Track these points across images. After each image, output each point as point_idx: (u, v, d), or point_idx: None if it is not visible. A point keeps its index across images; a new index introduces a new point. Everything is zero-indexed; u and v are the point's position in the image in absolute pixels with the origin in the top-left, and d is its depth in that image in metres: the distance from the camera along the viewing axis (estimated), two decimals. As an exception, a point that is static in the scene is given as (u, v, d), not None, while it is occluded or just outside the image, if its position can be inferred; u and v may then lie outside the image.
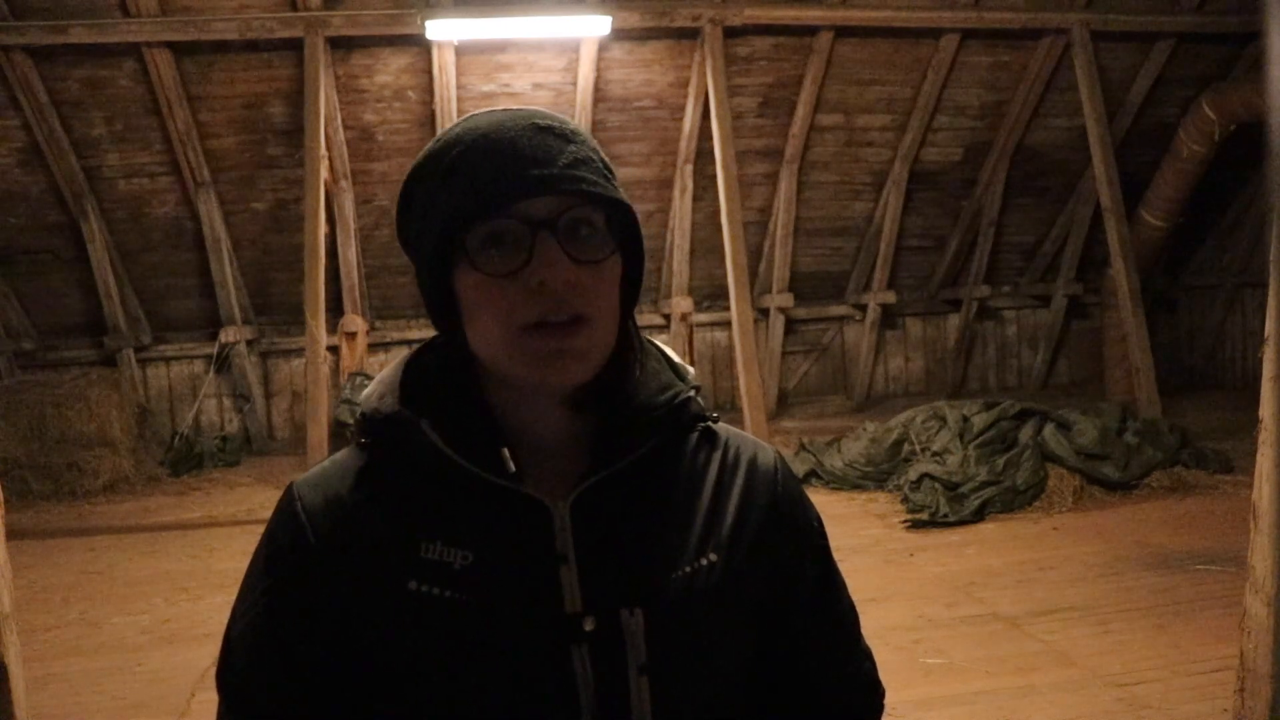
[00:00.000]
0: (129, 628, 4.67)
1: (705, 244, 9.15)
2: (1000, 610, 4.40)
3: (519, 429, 0.94)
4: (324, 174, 7.56)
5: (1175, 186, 8.86)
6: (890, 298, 9.81)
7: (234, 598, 0.98)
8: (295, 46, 7.45)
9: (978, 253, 9.80)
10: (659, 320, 9.73)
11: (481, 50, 7.78)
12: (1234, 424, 7.66)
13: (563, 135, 0.89)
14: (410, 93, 8.03)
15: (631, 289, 0.96)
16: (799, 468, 7.10)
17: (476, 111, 0.93)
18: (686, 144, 8.63)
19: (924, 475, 6.33)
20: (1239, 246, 10.01)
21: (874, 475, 6.85)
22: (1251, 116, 8.08)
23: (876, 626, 4.13)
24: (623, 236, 0.92)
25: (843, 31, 8.14)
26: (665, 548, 0.93)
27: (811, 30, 8.10)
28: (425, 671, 0.89)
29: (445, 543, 0.90)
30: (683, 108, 8.45)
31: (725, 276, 7.80)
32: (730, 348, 9.07)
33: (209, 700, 3.53)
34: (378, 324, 9.20)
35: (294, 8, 7.35)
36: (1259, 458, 2.49)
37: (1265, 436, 2.34)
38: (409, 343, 9.06)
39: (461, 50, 7.74)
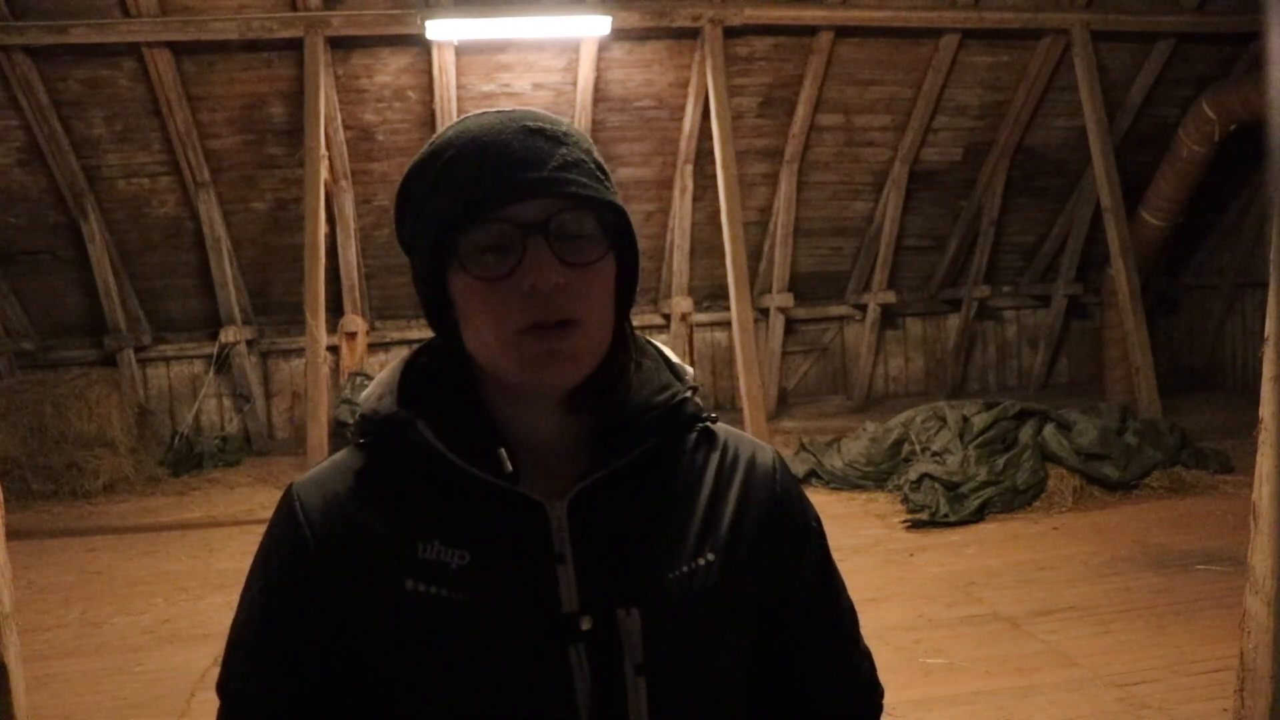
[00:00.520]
0: (129, 628, 4.67)
1: (705, 244, 9.15)
2: (1000, 610, 4.40)
3: (516, 430, 0.94)
4: (324, 174, 7.56)
5: (1175, 186, 8.86)
6: (890, 298, 9.81)
7: (234, 598, 0.98)
8: (295, 46, 7.45)
9: (978, 253, 9.80)
10: (659, 320, 9.73)
11: (481, 50, 7.78)
12: (1234, 424, 7.66)
13: (554, 138, 0.89)
14: (410, 93, 8.03)
15: (627, 290, 0.96)
16: (799, 468, 7.10)
17: (471, 113, 0.94)
18: (686, 144, 8.63)
19: (924, 475, 6.33)
20: (1239, 246, 10.01)
21: (874, 475, 6.85)
22: (1251, 116, 8.07)
23: (876, 626, 4.14)
24: (617, 238, 0.92)
25: (843, 31, 8.14)
26: (662, 547, 0.93)
27: (811, 30, 8.10)
28: (422, 671, 0.89)
29: (443, 542, 0.90)
30: (683, 108, 8.45)
31: (725, 276, 7.80)
32: (730, 348, 9.07)
33: (209, 700, 3.53)
34: (378, 324, 9.20)
35: (294, 8, 7.35)
36: (1259, 458, 2.49)
37: (1265, 436, 2.34)
38: (409, 343, 9.06)
39: (461, 50, 7.74)
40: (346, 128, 8.14)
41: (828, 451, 7.27)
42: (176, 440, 8.68)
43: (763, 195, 9.16)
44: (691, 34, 7.92)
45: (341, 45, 7.63)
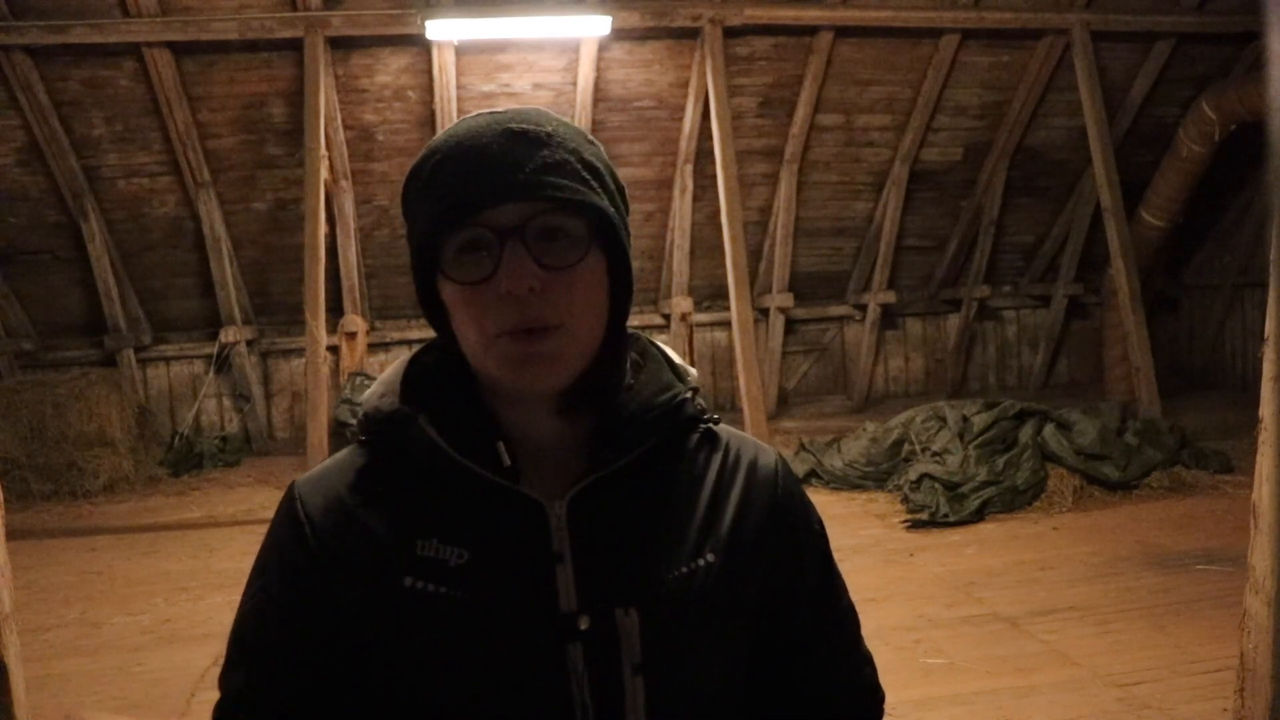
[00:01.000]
0: (129, 628, 4.67)
1: (705, 244, 9.15)
2: (1000, 610, 4.40)
3: (517, 430, 0.94)
4: (324, 174, 7.56)
5: (1175, 186, 8.86)
6: (890, 298, 9.81)
7: (234, 598, 0.99)
8: (295, 46, 7.45)
9: (978, 253, 9.80)
10: (659, 320, 9.73)
11: (481, 50, 7.78)
12: (1234, 424, 7.66)
13: (536, 140, 0.89)
14: (410, 93, 8.03)
15: (622, 290, 0.96)
16: (799, 468, 7.10)
17: (465, 116, 0.94)
18: (686, 144, 8.63)
19: (924, 475, 6.33)
20: (1239, 246, 10.01)
21: (874, 475, 6.85)
22: (1251, 116, 8.07)
23: (876, 626, 4.14)
24: (607, 238, 0.92)
25: (843, 31, 8.14)
26: (662, 547, 0.93)
27: (811, 30, 8.10)
28: (420, 668, 0.89)
29: (442, 540, 0.90)
30: (683, 108, 8.45)
31: (725, 276, 7.80)
32: (730, 348, 9.07)
33: (209, 700, 3.52)
34: (378, 324, 9.20)
35: (294, 8, 7.35)
36: (1259, 458, 2.49)
37: (1265, 436, 2.34)
38: (409, 343, 9.07)
39: (461, 50, 7.74)
40: (346, 128, 8.14)
41: (828, 451, 7.27)
42: (176, 440, 8.68)
43: (763, 195, 9.16)
44: (691, 34, 7.92)
45: (341, 45, 7.64)
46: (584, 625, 0.88)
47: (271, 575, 0.95)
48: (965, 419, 6.82)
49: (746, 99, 8.49)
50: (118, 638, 4.55)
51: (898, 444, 6.98)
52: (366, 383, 8.16)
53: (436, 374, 0.97)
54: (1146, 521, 5.72)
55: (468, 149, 0.89)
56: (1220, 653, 3.64)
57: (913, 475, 6.42)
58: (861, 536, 5.73)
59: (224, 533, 6.30)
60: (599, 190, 0.91)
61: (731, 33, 7.90)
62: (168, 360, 9.06)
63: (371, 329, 9.04)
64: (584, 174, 0.90)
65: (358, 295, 8.81)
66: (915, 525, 5.87)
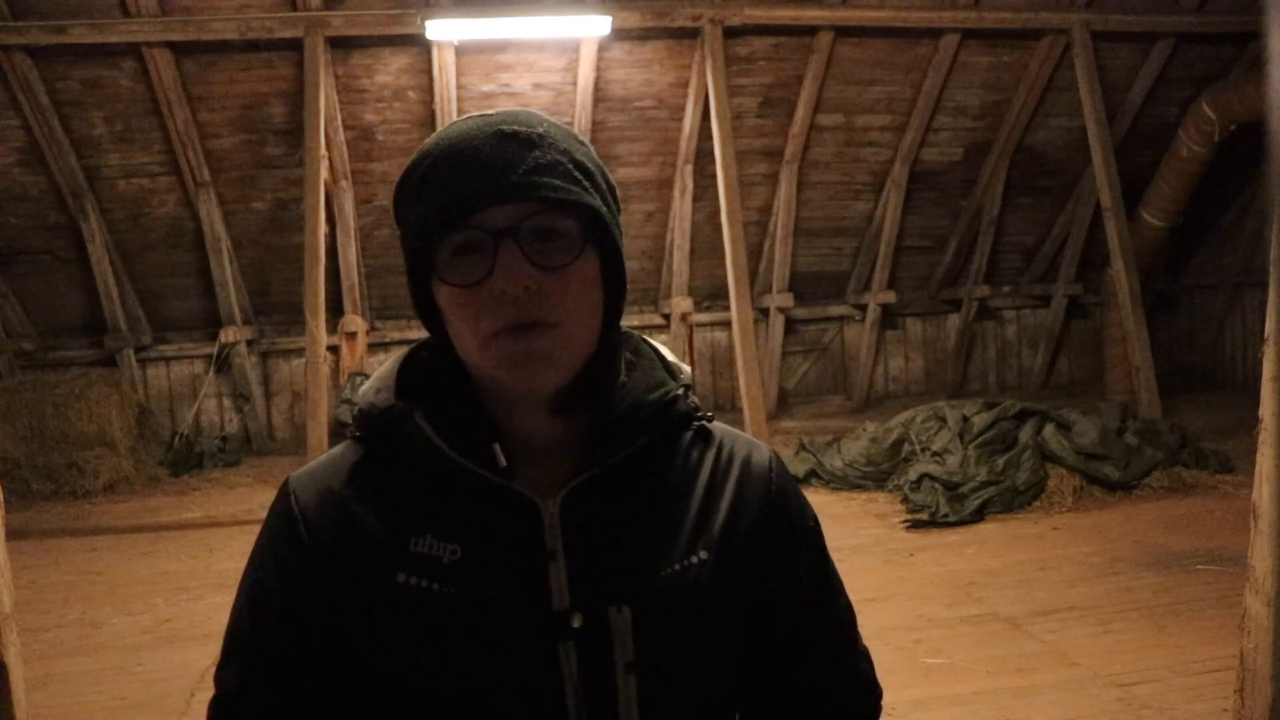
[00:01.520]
0: (129, 628, 4.67)
1: (705, 244, 9.15)
2: (1000, 610, 4.40)
3: (511, 428, 0.95)
4: (324, 174, 7.55)
5: (1175, 186, 8.86)
6: (890, 298, 9.81)
7: (234, 597, 0.99)
8: (295, 46, 7.45)
9: (978, 253, 9.80)
10: (659, 320, 9.73)
11: (481, 50, 7.78)
12: (1234, 424, 7.66)
13: (527, 141, 0.89)
14: (410, 93, 8.03)
15: (616, 290, 0.96)
16: (799, 468, 7.10)
17: (458, 119, 0.94)
18: (686, 144, 8.63)
19: (924, 475, 6.33)
20: (1239, 246, 10.01)
21: (874, 475, 6.85)
22: (1251, 116, 8.07)
23: (876, 626, 4.14)
24: (601, 238, 0.92)
25: (843, 31, 8.14)
26: (655, 545, 0.94)
27: (811, 30, 8.10)
28: (413, 665, 0.89)
29: (435, 537, 0.91)
30: (683, 108, 8.45)
31: (725, 276, 7.80)
32: (730, 348, 9.07)
33: (208, 700, 3.52)
34: (378, 324, 9.20)
35: (294, 8, 7.35)
36: (1259, 458, 2.49)
37: (1265, 436, 2.34)
38: (409, 343, 8.87)
39: (461, 50, 7.74)
40: (346, 128, 8.14)
41: (828, 451, 7.27)
42: (176, 440, 8.68)
43: (763, 195, 9.16)
44: (691, 34, 7.92)
45: (341, 45, 7.63)
46: (577, 623, 0.88)
47: (266, 571, 0.95)
48: (965, 419, 6.82)
49: (746, 99, 8.49)
50: (118, 638, 4.55)
51: (898, 444, 6.98)
52: (366, 382, 8.16)
53: (432, 371, 0.97)
54: (1146, 521, 5.72)
55: (459, 152, 0.89)
56: (1220, 653, 3.64)
57: (913, 475, 6.41)
58: (861, 536, 5.73)
59: (224, 533, 6.30)
60: (591, 190, 0.91)
61: (731, 33, 7.90)
62: (168, 360, 9.06)
63: (371, 329, 9.04)
64: (576, 174, 0.90)
65: (358, 295, 8.81)
66: (915, 525, 5.87)
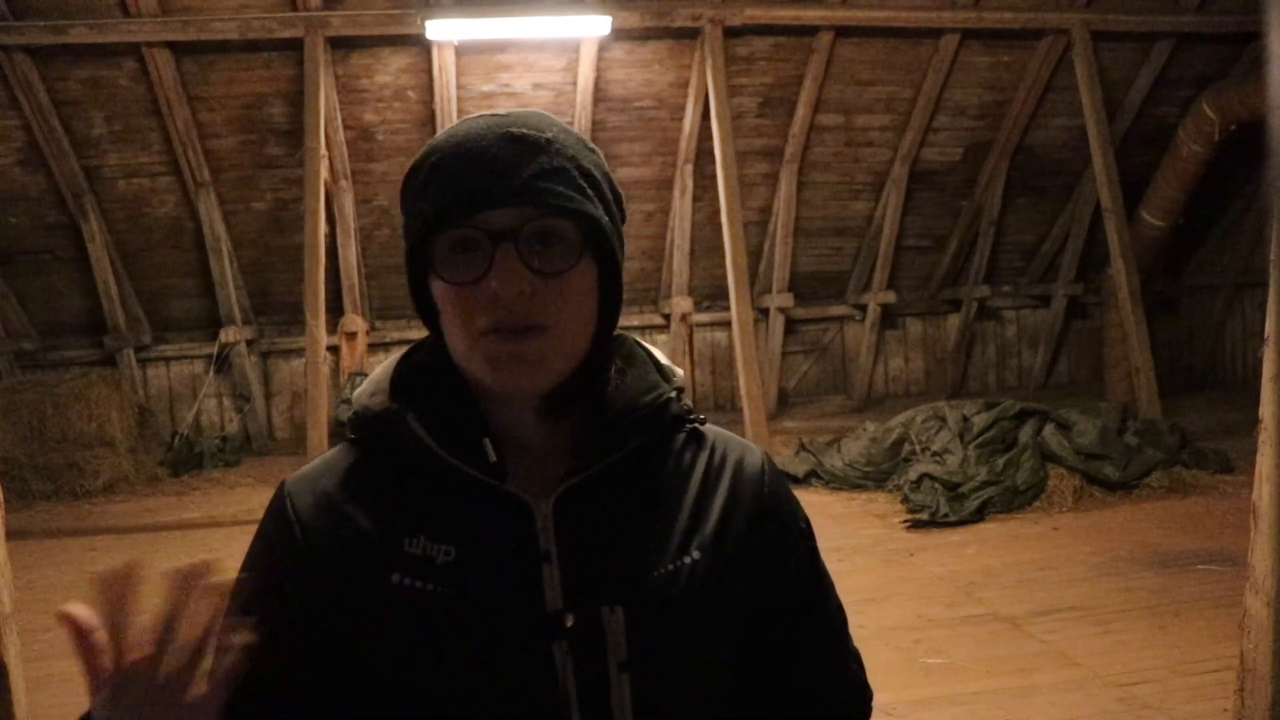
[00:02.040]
0: (129, 628, 4.67)
1: (705, 244, 9.15)
2: (1000, 610, 4.40)
3: (503, 429, 0.95)
4: (324, 174, 7.56)
5: (1175, 186, 8.86)
6: (890, 298, 9.81)
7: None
8: (295, 46, 7.45)
9: (978, 253, 9.80)
10: (659, 320, 9.73)
11: (481, 50, 7.78)
12: (1234, 424, 7.66)
13: (535, 144, 0.89)
14: (410, 93, 8.03)
15: (612, 296, 0.96)
16: (799, 468, 7.10)
17: (466, 117, 0.95)
18: (686, 144, 8.63)
19: (924, 475, 6.33)
20: (1239, 246, 10.01)
21: (874, 475, 6.84)
22: (1251, 116, 8.07)
23: (876, 626, 4.13)
24: (600, 245, 0.93)
25: (843, 31, 8.14)
26: (647, 546, 0.94)
27: (811, 30, 8.10)
28: (407, 665, 0.90)
29: (429, 538, 0.91)
30: (683, 108, 8.45)
31: (725, 276, 7.80)
32: (730, 348, 9.07)
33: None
34: (378, 324, 9.20)
35: (294, 8, 7.35)
36: (1259, 458, 2.49)
37: (1265, 436, 2.34)
38: (409, 343, 8.82)
39: (461, 50, 7.74)
40: (346, 128, 8.15)
41: (828, 451, 7.27)
42: (176, 440, 8.68)
43: (763, 195, 9.16)
44: (691, 34, 7.92)
45: (341, 45, 7.64)
46: (570, 623, 0.89)
47: (260, 572, 0.96)
48: (965, 419, 6.82)
49: (746, 99, 8.49)
50: (118, 638, 4.55)
51: (898, 444, 6.98)
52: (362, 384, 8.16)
53: (427, 373, 0.98)
54: (1146, 521, 5.72)
55: (467, 150, 0.89)
56: (1220, 653, 3.64)
57: (913, 475, 6.41)
58: (861, 536, 5.73)
59: (224, 533, 6.30)
60: (595, 199, 0.92)
61: (731, 33, 7.90)
62: (168, 360, 9.06)
63: (371, 329, 9.04)
64: (581, 182, 0.91)
65: (358, 295, 8.81)
66: (915, 525, 5.87)
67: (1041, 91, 8.83)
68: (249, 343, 8.97)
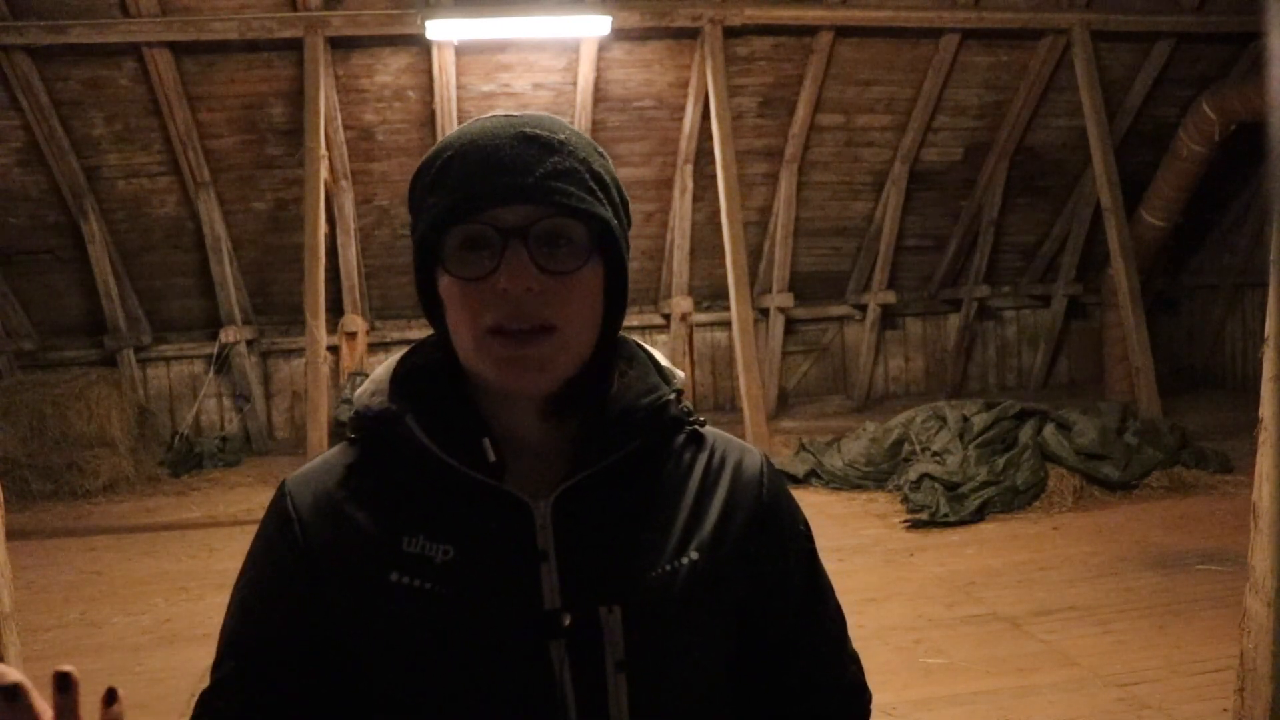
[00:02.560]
0: (129, 628, 4.67)
1: (705, 244, 9.15)
2: (1000, 610, 4.40)
3: (503, 429, 0.95)
4: (324, 174, 7.56)
5: (1175, 186, 8.86)
6: (890, 298, 9.81)
7: (234, 597, 1.00)
8: (295, 46, 7.45)
9: (978, 253, 9.80)
10: (659, 320, 9.73)
11: (481, 50, 7.78)
12: (1234, 424, 7.66)
13: (548, 145, 0.90)
14: (410, 93, 8.03)
15: (617, 299, 0.96)
16: (799, 468, 7.10)
17: (481, 116, 0.95)
18: (686, 144, 8.63)
19: (924, 475, 6.33)
20: (1239, 246, 10.01)
21: (874, 475, 6.84)
22: (1251, 116, 8.07)
23: (876, 626, 4.14)
24: (607, 248, 0.93)
25: (843, 31, 8.14)
26: (645, 546, 0.94)
27: (811, 30, 8.10)
28: (405, 663, 0.90)
29: (427, 537, 0.91)
30: (683, 108, 8.45)
31: (725, 276, 7.80)
32: (730, 348, 9.07)
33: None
34: (378, 324, 9.20)
35: (294, 8, 7.35)
36: (1259, 458, 2.49)
37: (1265, 436, 2.34)
38: (409, 343, 8.80)
39: (461, 50, 7.74)
40: (346, 128, 8.14)
41: (828, 451, 7.27)
42: (176, 440, 8.68)
43: (763, 195, 9.16)
44: (691, 34, 7.92)
45: (341, 45, 7.64)
46: (567, 623, 0.89)
47: (261, 570, 0.97)
48: (965, 419, 6.82)
49: (746, 99, 8.49)
50: (118, 638, 4.55)
51: (898, 444, 6.98)
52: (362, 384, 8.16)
53: (427, 373, 0.98)
54: (1146, 521, 5.72)
55: (480, 148, 0.90)
56: (1220, 653, 3.64)
57: (913, 475, 6.41)
58: (861, 536, 5.73)
59: (224, 533, 6.30)
60: (604, 202, 0.92)
61: (731, 33, 7.90)
62: (168, 360, 9.06)
63: (371, 329, 9.04)
64: (591, 184, 0.91)
65: (358, 295, 8.81)
66: (915, 525, 5.87)
67: (1041, 91, 8.83)
68: (249, 343, 8.97)
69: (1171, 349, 10.41)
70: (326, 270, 7.60)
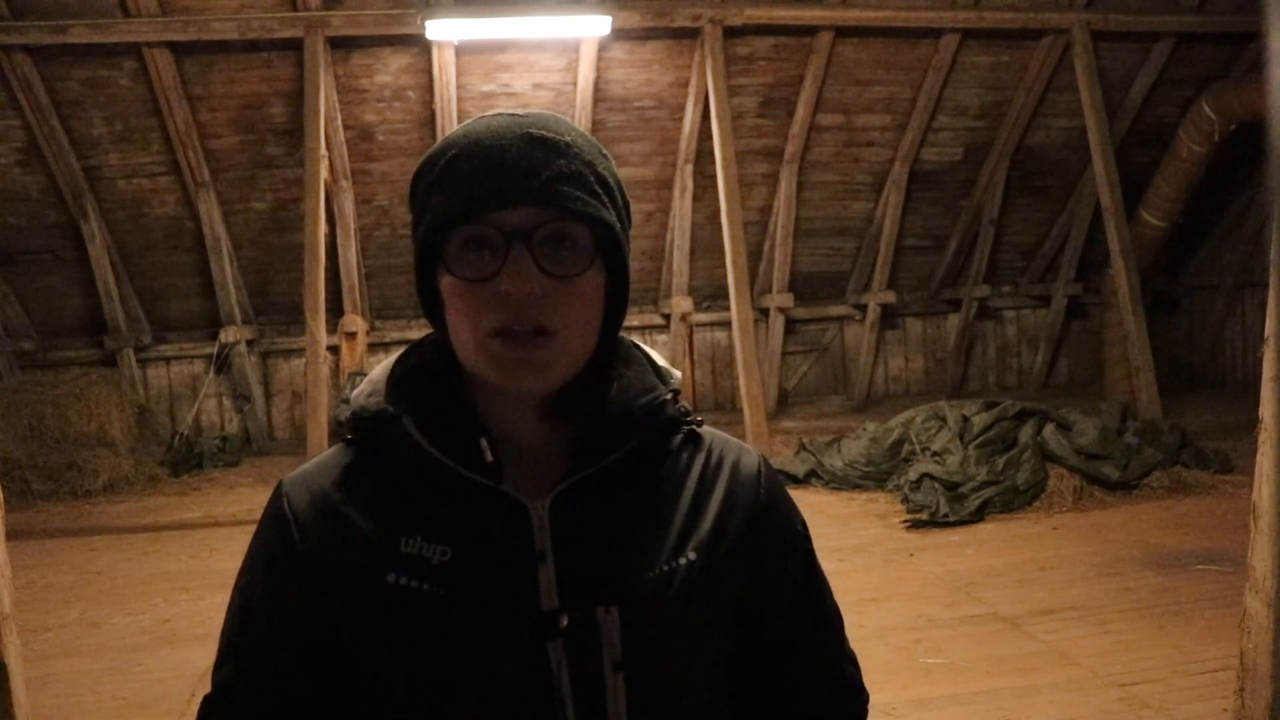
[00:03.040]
0: (129, 628, 4.67)
1: (705, 244, 9.15)
2: (1000, 610, 4.40)
3: (501, 429, 0.95)
4: (324, 174, 7.56)
5: (1175, 186, 8.86)
6: (890, 298, 9.81)
7: (233, 597, 1.00)
8: (295, 46, 7.45)
9: (978, 253, 9.80)
10: (659, 320, 9.73)
11: (481, 50, 7.78)
12: (1234, 424, 7.66)
13: (555, 148, 0.90)
14: (410, 93, 8.03)
15: (618, 302, 0.96)
16: (799, 468, 7.10)
17: (486, 113, 0.95)
18: (686, 144, 8.63)
19: (924, 475, 6.33)
20: (1239, 246, 10.01)
21: (874, 475, 6.84)
22: (1251, 116, 8.07)
23: (876, 626, 4.14)
24: (610, 252, 0.93)
25: (843, 31, 8.14)
26: (643, 547, 0.94)
27: (811, 30, 8.10)
28: (403, 664, 0.90)
29: (425, 538, 0.92)
30: (683, 108, 8.45)
31: (725, 276, 7.80)
32: (730, 348, 9.07)
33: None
34: (378, 324, 9.20)
35: (294, 8, 7.35)
36: (1259, 458, 2.49)
37: (1265, 436, 2.34)
38: (409, 343, 8.84)
39: (461, 50, 7.74)
40: (346, 128, 8.15)
41: (828, 451, 7.27)
42: (176, 440, 8.68)
43: (763, 195, 9.16)
44: (691, 34, 7.92)
45: (341, 45, 7.64)
46: (564, 623, 0.89)
47: (259, 572, 0.96)
48: (965, 419, 6.82)
49: (746, 99, 8.49)
50: (118, 638, 4.55)
51: (898, 444, 6.98)
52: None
53: (423, 373, 0.98)
54: (1146, 521, 5.72)
55: (486, 148, 0.89)
56: (1220, 653, 3.64)
57: (913, 475, 6.41)
58: (861, 536, 5.73)
59: (224, 533, 6.30)
60: (608, 205, 0.92)
61: (731, 33, 7.90)
62: (168, 360, 9.06)
63: (371, 329, 9.04)
64: (596, 187, 0.91)
65: (358, 295, 8.81)
66: (915, 525, 5.87)
67: (1041, 91, 8.83)
68: (249, 343, 8.97)
69: (1171, 349, 10.41)
70: (326, 270, 7.59)
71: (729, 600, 0.98)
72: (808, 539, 1.07)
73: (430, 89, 7.93)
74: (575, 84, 8.08)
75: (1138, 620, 4.20)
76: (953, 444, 6.60)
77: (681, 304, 9.23)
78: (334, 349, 8.55)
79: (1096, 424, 6.58)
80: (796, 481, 6.95)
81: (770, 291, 9.54)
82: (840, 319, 10.16)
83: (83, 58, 7.41)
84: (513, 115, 0.93)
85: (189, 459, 8.40)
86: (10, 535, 2.68)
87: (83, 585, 5.39)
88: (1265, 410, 2.33)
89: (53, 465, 7.63)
